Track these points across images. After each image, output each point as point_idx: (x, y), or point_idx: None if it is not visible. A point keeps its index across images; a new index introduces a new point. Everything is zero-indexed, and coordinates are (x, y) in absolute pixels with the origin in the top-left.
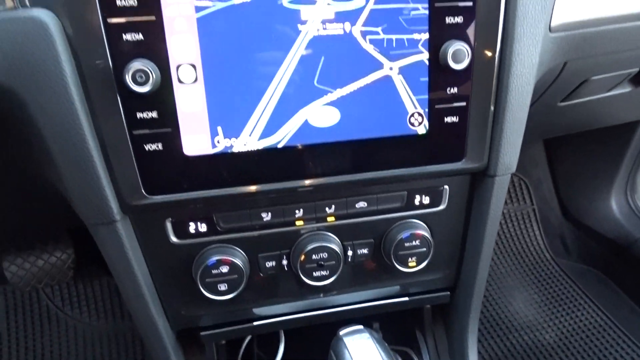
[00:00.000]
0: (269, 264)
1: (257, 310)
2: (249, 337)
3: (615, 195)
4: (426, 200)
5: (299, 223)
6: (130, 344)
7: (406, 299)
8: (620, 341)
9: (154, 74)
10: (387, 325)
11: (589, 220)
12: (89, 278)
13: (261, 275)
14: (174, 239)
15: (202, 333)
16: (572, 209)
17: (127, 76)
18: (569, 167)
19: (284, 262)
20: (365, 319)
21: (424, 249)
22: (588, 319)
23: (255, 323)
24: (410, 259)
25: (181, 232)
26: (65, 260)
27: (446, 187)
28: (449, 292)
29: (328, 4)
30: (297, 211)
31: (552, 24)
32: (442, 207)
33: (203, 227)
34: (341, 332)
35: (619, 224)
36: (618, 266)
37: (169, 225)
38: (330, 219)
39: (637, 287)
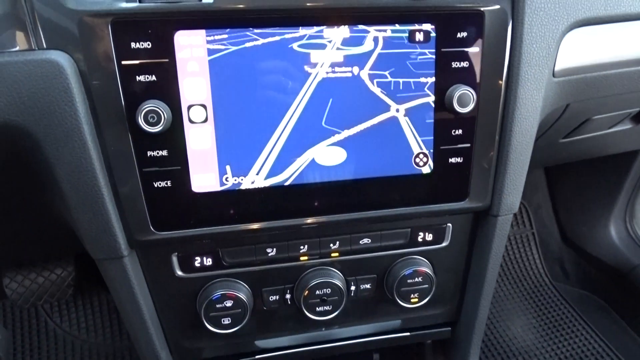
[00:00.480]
0: (273, 298)
1: (260, 343)
2: None
3: (614, 222)
4: (429, 237)
5: (304, 258)
6: (118, 347)
7: (407, 334)
8: None
9: (165, 115)
10: (387, 357)
11: (587, 245)
12: (88, 296)
13: (264, 308)
14: (179, 272)
15: None
16: (571, 234)
17: (139, 117)
18: (568, 192)
19: (287, 296)
20: (366, 351)
21: (426, 286)
22: (586, 345)
23: (257, 357)
24: (412, 295)
25: (187, 266)
26: (65, 277)
27: (449, 224)
28: (450, 328)
29: (337, 49)
30: (301, 247)
31: (556, 69)
32: (445, 244)
33: (208, 262)
34: None
35: (618, 251)
36: (616, 292)
37: (174, 260)
38: (335, 254)
39: (635, 314)
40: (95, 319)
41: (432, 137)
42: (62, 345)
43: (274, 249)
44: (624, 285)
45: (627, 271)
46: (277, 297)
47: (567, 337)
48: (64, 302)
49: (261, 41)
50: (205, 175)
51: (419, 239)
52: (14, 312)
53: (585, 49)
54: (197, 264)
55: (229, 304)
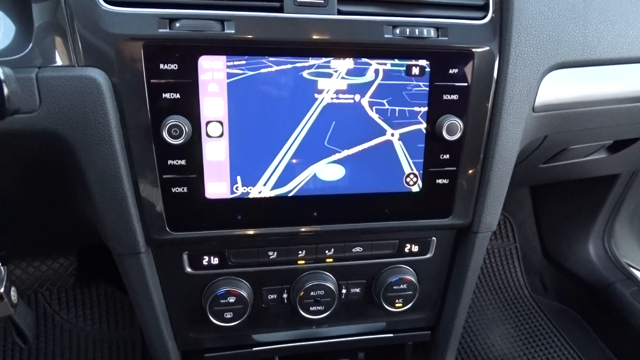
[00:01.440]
0: (271, 297)
1: (256, 337)
2: None
3: (593, 240)
4: (415, 249)
5: (301, 262)
6: (123, 351)
7: (391, 335)
8: None
9: (186, 129)
10: (371, 355)
11: (567, 262)
12: (87, 287)
13: (263, 306)
14: (188, 269)
15: (207, 355)
16: (552, 250)
17: (163, 130)
18: (551, 210)
19: (285, 295)
20: (352, 348)
21: (410, 292)
22: (560, 356)
23: (254, 349)
24: (397, 300)
25: (196, 264)
26: (67, 267)
27: (434, 238)
28: (430, 332)
29: (342, 78)
30: (299, 252)
31: (536, 105)
32: (429, 255)
33: (215, 261)
34: None
35: (595, 268)
36: (592, 308)
37: (185, 258)
38: (329, 260)
39: (608, 329)
40: (93, 309)
41: (422, 160)
42: (59, 332)
43: (275, 253)
44: (599, 301)
45: (602, 288)
46: (275, 296)
47: (542, 348)
48: (64, 291)
49: (275, 68)
50: (218, 184)
51: (406, 250)
52: (23, 298)
53: (562, 88)
54: (205, 262)
55: (231, 299)
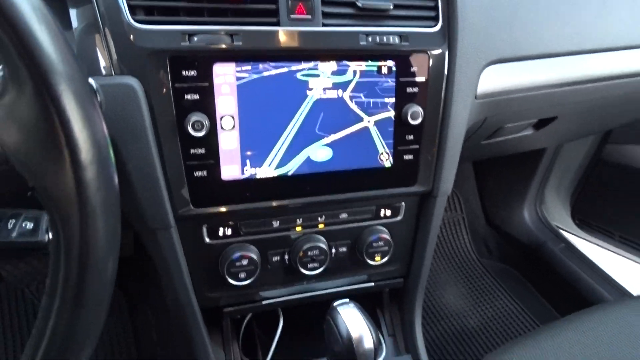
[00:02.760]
0: (275, 259)
1: (263, 294)
2: (249, 316)
3: (527, 207)
4: (388, 212)
5: (298, 229)
6: (117, 343)
7: (372, 284)
8: (528, 324)
9: (206, 123)
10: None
11: (506, 227)
12: None
13: (269, 267)
14: (207, 239)
15: (225, 309)
16: (493, 217)
17: (188, 125)
18: (491, 183)
19: (286, 257)
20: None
21: (386, 248)
22: (504, 307)
23: (263, 302)
24: (376, 255)
25: (213, 234)
26: None
27: (403, 203)
28: (402, 279)
29: (328, 77)
30: (297, 219)
31: (477, 93)
32: (399, 217)
33: (229, 231)
34: (335, 304)
35: (530, 230)
36: (528, 265)
37: (204, 230)
38: (320, 225)
39: (543, 282)
40: None
41: (392, 141)
42: None
43: (278, 221)
44: (534, 259)
45: (536, 247)
46: (278, 258)
47: (489, 302)
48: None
49: (274, 71)
50: (231, 167)
51: (381, 214)
52: (9, 294)
53: (497, 79)
54: (220, 233)
55: (244, 262)
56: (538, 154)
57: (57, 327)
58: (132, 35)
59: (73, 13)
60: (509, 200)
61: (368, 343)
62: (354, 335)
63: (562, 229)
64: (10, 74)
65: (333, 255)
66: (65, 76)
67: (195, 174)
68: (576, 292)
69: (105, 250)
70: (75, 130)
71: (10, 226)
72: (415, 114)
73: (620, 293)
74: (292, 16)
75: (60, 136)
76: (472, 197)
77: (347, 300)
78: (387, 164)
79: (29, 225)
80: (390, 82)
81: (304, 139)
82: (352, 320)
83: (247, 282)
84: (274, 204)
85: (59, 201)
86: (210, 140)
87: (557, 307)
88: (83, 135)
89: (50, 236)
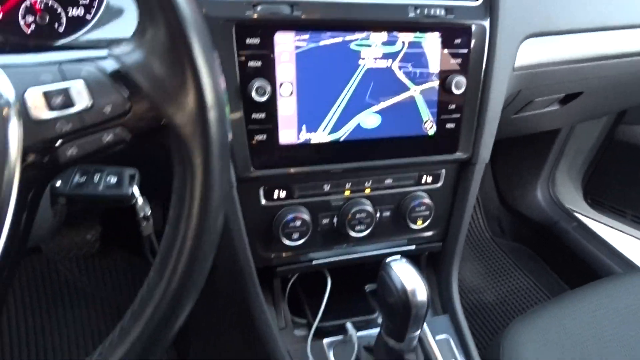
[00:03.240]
0: (325, 221)
1: (313, 254)
2: (294, 278)
3: (540, 187)
4: (429, 179)
5: (347, 192)
6: None
7: (413, 247)
8: (542, 299)
9: (268, 89)
10: None
11: (520, 207)
12: (110, 254)
13: (318, 229)
14: (263, 201)
15: (279, 268)
16: (507, 197)
17: (252, 91)
18: (505, 164)
19: (335, 220)
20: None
21: (427, 212)
22: (519, 283)
23: (313, 262)
24: (418, 219)
25: (269, 196)
26: (94, 234)
27: (443, 170)
28: (441, 243)
29: (378, 47)
30: (346, 184)
31: (515, 66)
32: (440, 184)
33: (283, 194)
34: (387, 260)
35: (543, 210)
36: (541, 243)
37: (261, 192)
38: (367, 190)
39: (556, 259)
40: (113, 277)
41: (436, 110)
42: (82, 299)
43: (329, 185)
44: (547, 237)
45: (549, 226)
46: (328, 220)
47: (504, 279)
48: (82, 259)
49: (330, 41)
50: (288, 132)
51: (423, 181)
52: (34, 266)
53: (534, 53)
54: (275, 196)
55: (298, 223)
56: (551, 135)
57: (179, 262)
58: (205, 5)
59: None
60: (522, 180)
61: (421, 294)
62: (409, 287)
63: (574, 210)
64: (150, 17)
65: (378, 219)
66: (195, 24)
67: (256, 137)
68: (587, 267)
69: (219, 195)
70: (203, 74)
71: (96, 180)
72: (459, 84)
73: (630, 267)
74: None
75: (189, 79)
76: (486, 178)
77: (398, 256)
78: (431, 132)
79: (113, 180)
80: (436, 53)
81: (355, 106)
82: (405, 274)
83: (300, 242)
84: (326, 167)
85: (187, 138)
86: (271, 106)
87: (568, 282)
88: (208, 80)
89: (176, 172)
